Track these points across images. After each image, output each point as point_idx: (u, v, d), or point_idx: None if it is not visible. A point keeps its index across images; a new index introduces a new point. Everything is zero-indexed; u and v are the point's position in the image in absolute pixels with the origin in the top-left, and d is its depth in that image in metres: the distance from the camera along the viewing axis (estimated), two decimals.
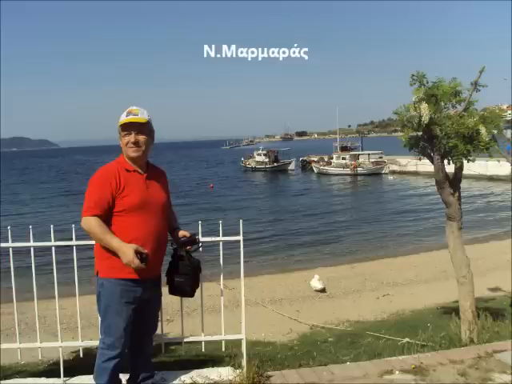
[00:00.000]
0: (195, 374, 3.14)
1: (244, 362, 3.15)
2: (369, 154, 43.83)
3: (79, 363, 3.38)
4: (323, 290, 9.86)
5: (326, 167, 44.73)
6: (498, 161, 6.32)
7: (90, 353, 3.32)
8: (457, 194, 4.12)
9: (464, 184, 4.49)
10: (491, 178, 30.30)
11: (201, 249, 3.07)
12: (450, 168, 4.09)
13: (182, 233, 2.92)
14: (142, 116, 2.69)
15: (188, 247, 2.90)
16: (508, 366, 3.10)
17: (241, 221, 3.15)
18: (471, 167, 5.49)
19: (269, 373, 3.15)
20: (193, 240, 2.91)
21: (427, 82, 3.90)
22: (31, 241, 3.15)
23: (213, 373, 3.16)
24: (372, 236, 16.94)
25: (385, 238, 16.61)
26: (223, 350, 3.38)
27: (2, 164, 76.81)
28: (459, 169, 4.10)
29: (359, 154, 44.64)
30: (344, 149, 49.78)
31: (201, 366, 3.26)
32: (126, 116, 2.68)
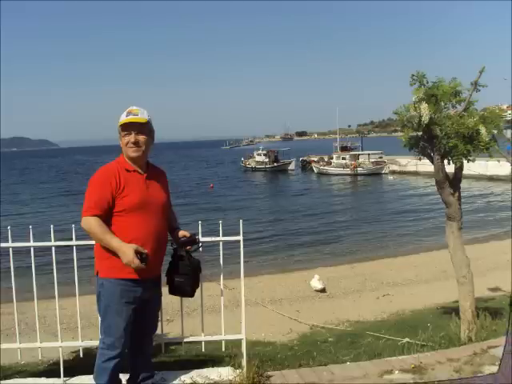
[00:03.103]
0: (195, 373, 3.14)
1: (244, 362, 3.15)
2: (369, 154, 43.83)
3: (79, 363, 3.38)
4: (323, 290, 9.86)
5: (326, 167, 44.73)
6: (498, 161, 6.32)
7: (90, 353, 3.32)
8: (457, 194, 4.12)
9: (464, 184, 4.49)
10: (491, 178, 30.28)
11: (201, 249, 3.07)
12: (450, 168, 4.09)
13: (182, 233, 2.92)
14: (141, 116, 2.69)
15: (188, 247, 2.90)
16: (499, 359, 3.11)
17: (241, 221, 3.16)
18: (471, 167, 5.48)
19: (269, 373, 3.15)
20: (193, 240, 2.91)
21: (427, 82, 3.90)
22: (31, 241, 3.16)
23: (213, 373, 3.16)
24: (372, 236, 16.94)
25: (385, 237, 16.61)
26: (223, 349, 3.38)
27: (2, 164, 76.75)
28: (459, 169, 4.10)
29: (359, 154, 44.64)
30: (344, 149, 49.76)
31: (201, 366, 3.26)
32: (126, 116, 2.68)
